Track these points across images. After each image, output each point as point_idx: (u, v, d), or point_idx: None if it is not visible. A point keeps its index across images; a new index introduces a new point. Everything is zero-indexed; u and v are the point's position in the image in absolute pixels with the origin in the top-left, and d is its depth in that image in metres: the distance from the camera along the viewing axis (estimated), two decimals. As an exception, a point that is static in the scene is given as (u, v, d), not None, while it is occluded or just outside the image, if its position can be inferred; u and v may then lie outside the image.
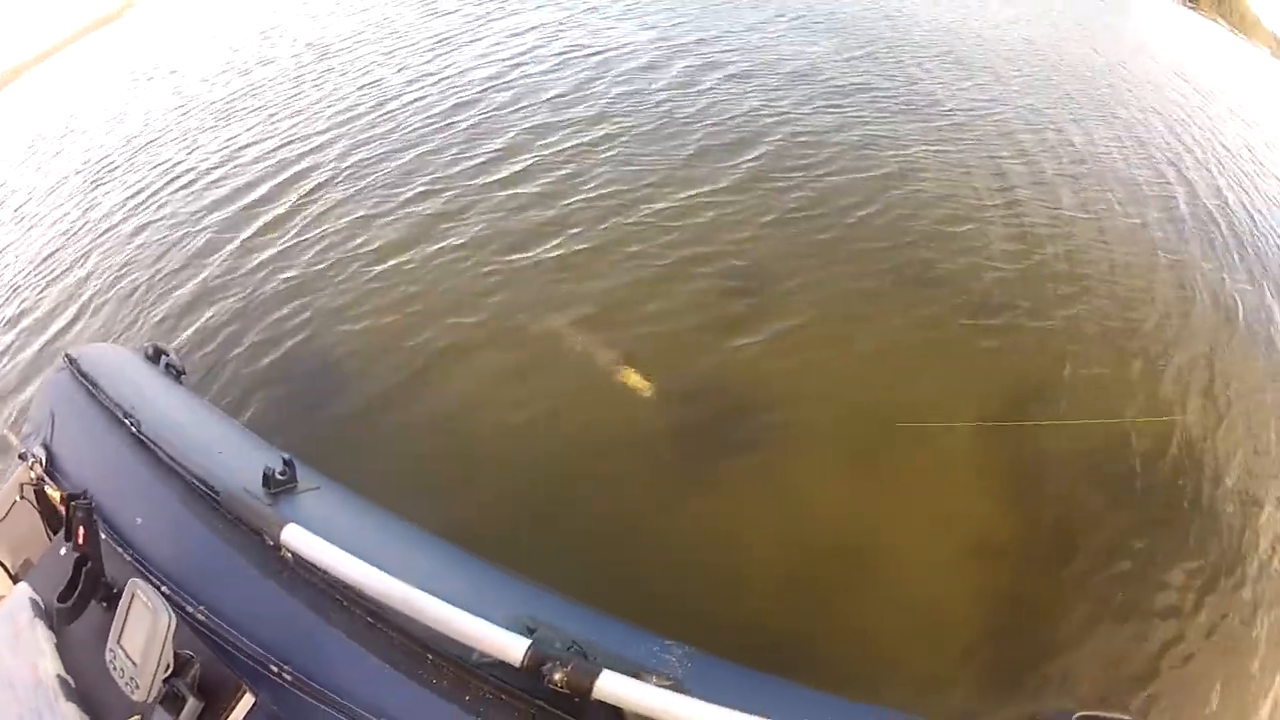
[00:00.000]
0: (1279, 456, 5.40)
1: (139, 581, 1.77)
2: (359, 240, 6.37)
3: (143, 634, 1.69)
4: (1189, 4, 53.42)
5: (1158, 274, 7.17)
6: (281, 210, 7.30)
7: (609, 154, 7.71)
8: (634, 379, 4.78)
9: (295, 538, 1.81)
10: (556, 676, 1.45)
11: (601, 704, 1.46)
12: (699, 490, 4.37)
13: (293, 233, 6.73)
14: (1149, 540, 4.55)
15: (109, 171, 10.48)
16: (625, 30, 11.99)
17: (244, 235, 6.88)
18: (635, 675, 1.48)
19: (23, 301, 7.53)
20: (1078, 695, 3.69)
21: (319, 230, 6.67)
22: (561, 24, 12.62)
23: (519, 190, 6.97)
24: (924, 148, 8.74)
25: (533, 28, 12.35)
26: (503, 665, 1.55)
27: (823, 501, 4.51)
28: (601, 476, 4.35)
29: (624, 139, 7.99)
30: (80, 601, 1.88)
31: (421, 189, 7.12)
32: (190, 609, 1.81)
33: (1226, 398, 5.73)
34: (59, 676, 1.81)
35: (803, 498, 4.49)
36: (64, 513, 2.00)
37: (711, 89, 9.53)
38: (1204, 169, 10.72)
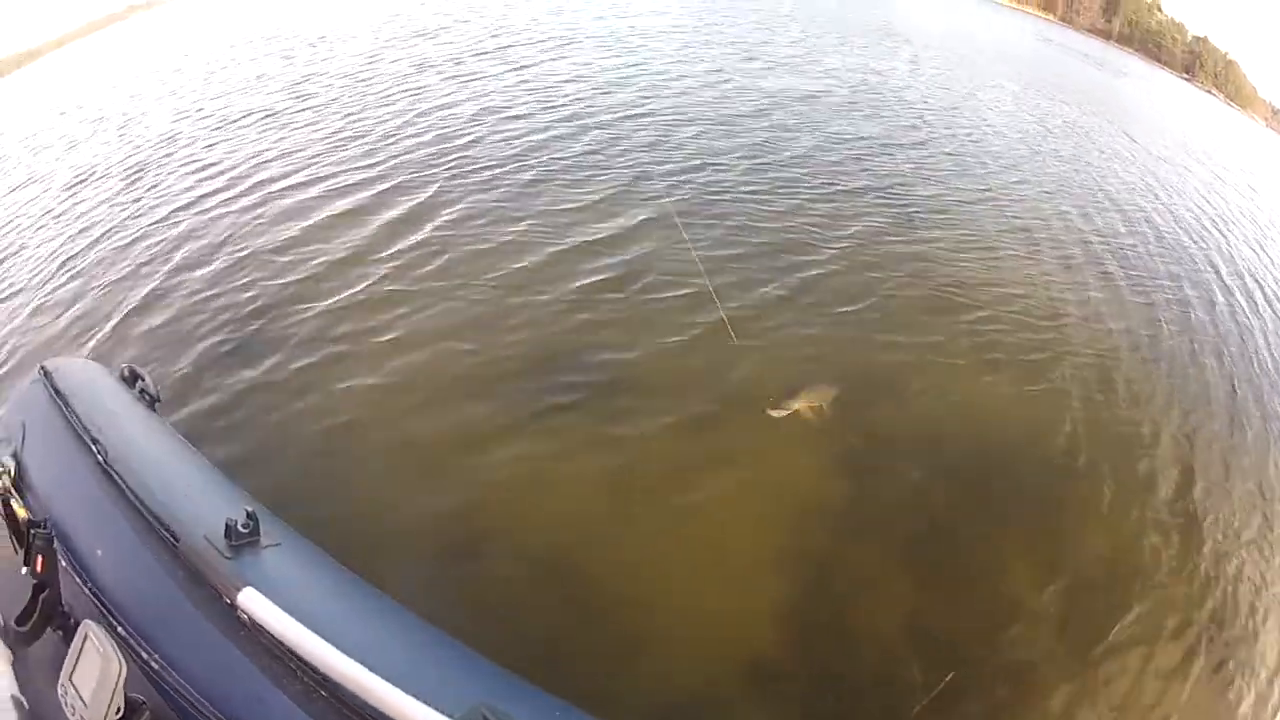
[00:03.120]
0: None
1: (91, 624, 1.73)
2: (365, 287, 6.31)
3: (93, 677, 1.66)
4: (1185, 76, 55.59)
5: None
6: (289, 239, 7.25)
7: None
8: None
9: (252, 602, 1.77)
10: None
11: None
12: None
13: (300, 270, 6.63)
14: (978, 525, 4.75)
15: (94, 178, 10.53)
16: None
17: (252, 267, 6.79)
18: None
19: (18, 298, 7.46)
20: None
21: (327, 270, 6.59)
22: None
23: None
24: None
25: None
26: None
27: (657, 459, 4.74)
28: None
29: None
30: (37, 627, 1.85)
31: (439, 232, 7.17)
32: (145, 655, 1.77)
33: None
34: (13, 697, 1.77)
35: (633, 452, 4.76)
36: (26, 535, 1.94)
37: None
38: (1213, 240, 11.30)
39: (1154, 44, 64.14)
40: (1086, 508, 5.06)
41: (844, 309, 6.44)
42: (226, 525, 2.02)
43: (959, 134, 12.86)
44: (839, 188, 9.12)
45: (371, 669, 1.62)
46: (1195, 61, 62.52)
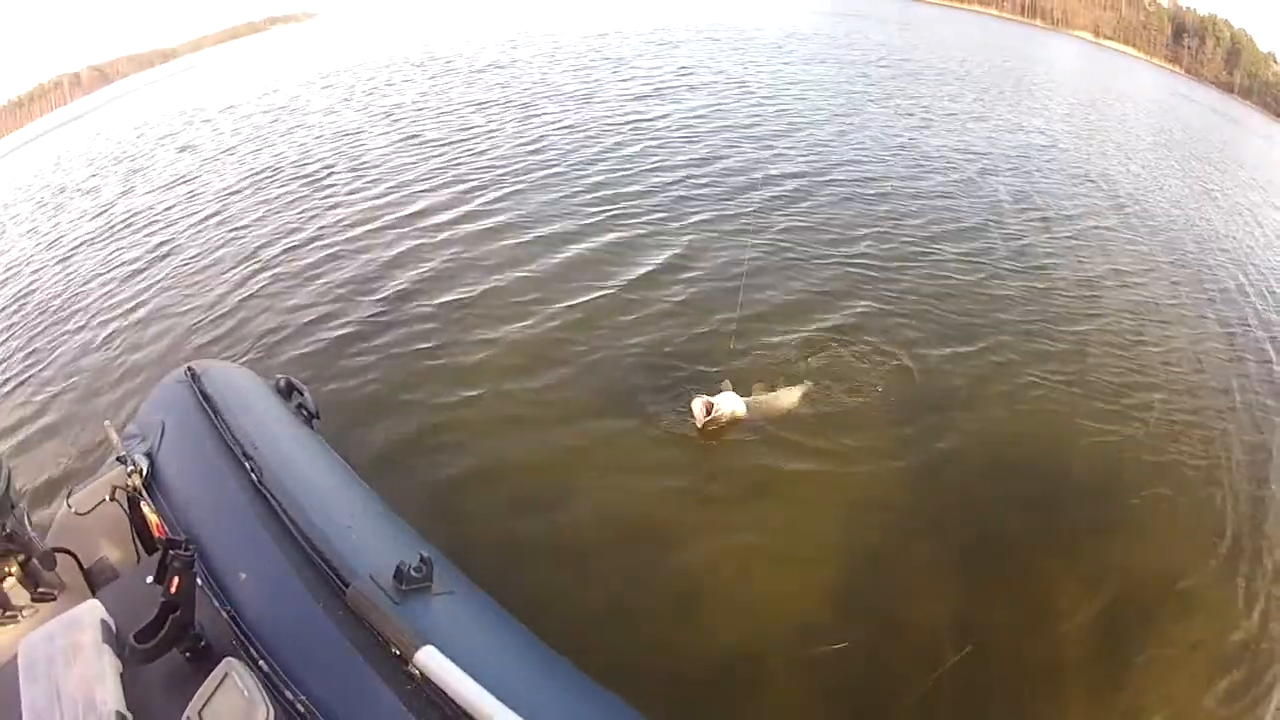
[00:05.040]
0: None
1: (235, 663, 1.61)
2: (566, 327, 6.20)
3: (231, 719, 1.53)
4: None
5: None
6: (467, 268, 7.23)
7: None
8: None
9: (431, 661, 1.60)
10: None
11: None
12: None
13: (476, 307, 6.53)
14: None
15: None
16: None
17: (421, 292, 6.79)
18: None
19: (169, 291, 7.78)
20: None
21: (505, 306, 6.48)
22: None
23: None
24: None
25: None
26: None
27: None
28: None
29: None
30: (161, 647, 1.71)
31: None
32: (289, 695, 1.61)
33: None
34: (119, 713, 1.65)
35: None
36: (159, 550, 1.82)
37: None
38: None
39: (1272, 97, 61.59)
40: (1157, 544, 4.93)
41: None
42: (398, 568, 1.83)
43: (1124, 200, 12.23)
44: (1021, 263, 8.45)
45: None
46: (1310, 116, 59.71)
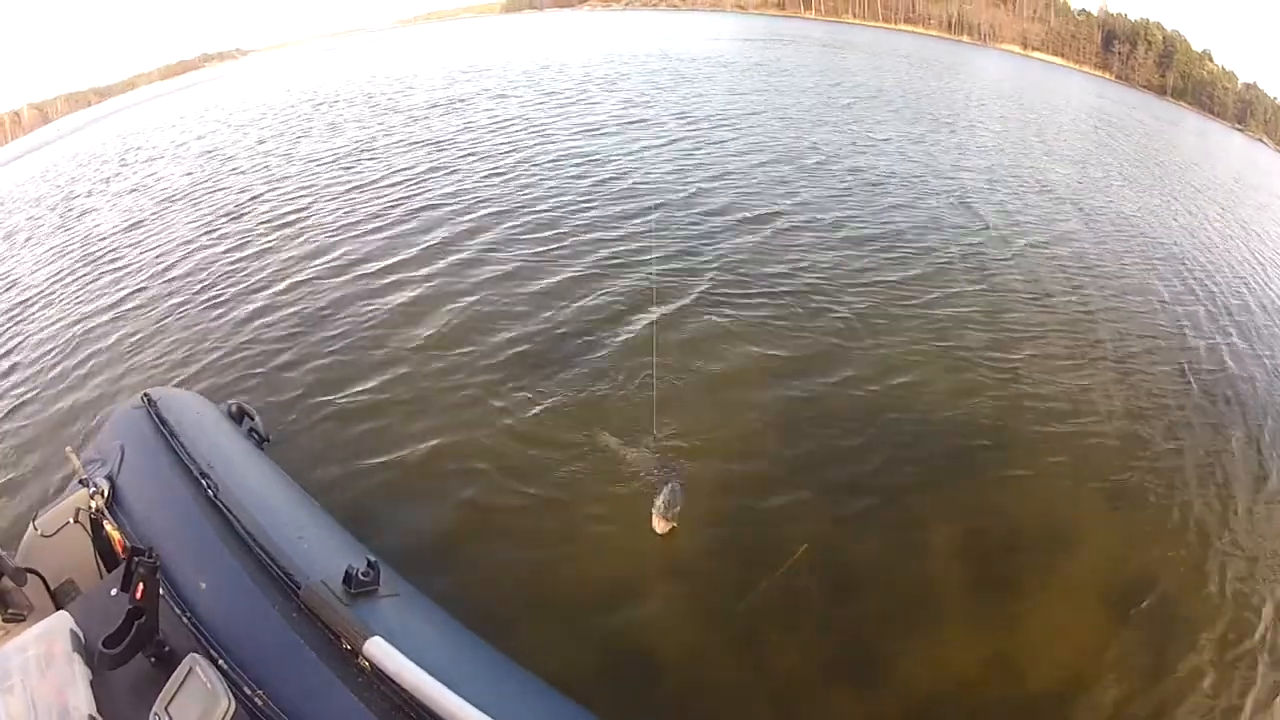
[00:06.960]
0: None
1: (199, 658, 1.72)
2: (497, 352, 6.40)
3: (195, 711, 1.65)
4: (1237, 126, 55.17)
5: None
6: (409, 297, 7.46)
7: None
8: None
9: (380, 652, 1.75)
10: None
11: None
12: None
13: (424, 330, 6.77)
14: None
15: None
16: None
17: (379, 318, 7.05)
18: None
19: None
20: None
21: (453, 332, 6.72)
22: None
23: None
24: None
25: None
26: None
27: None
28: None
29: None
30: (128, 652, 1.82)
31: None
32: (248, 691, 1.74)
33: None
34: (91, 717, 1.76)
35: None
36: (123, 559, 1.97)
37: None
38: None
39: (1206, 95, 63.65)
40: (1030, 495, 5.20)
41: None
42: (346, 573, 2.00)
43: (1069, 211, 12.67)
44: (974, 282, 8.63)
45: None
46: (1247, 110, 61.74)
